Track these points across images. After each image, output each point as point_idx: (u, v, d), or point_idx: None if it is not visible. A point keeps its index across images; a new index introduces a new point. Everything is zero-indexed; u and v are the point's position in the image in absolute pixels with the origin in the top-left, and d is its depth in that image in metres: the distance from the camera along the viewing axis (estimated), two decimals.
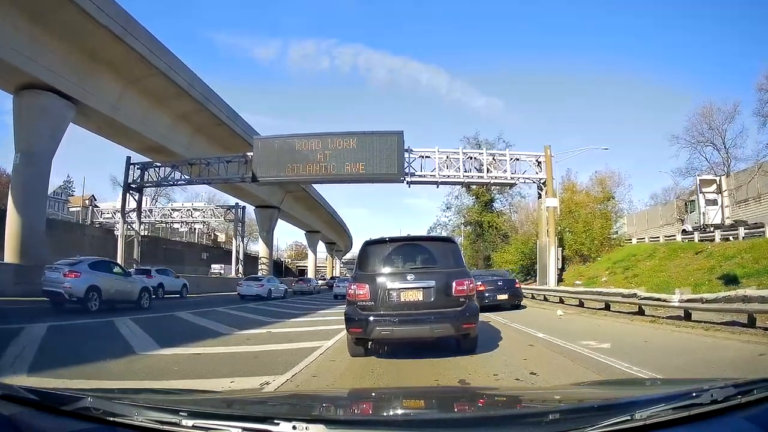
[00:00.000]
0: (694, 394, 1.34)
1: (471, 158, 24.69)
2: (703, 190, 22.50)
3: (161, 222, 45.87)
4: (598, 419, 1.25)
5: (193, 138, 27.53)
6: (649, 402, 1.36)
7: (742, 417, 1.30)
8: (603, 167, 35.29)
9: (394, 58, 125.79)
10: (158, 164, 26.40)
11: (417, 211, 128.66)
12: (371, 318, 5.55)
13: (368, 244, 6.28)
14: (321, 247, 69.84)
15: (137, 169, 26.35)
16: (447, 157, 24.29)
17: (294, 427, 1.20)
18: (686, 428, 1.27)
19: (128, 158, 26.22)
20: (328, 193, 53.49)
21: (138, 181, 26.38)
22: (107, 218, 43.06)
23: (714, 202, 22.10)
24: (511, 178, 24.74)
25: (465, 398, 2.23)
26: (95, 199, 52.95)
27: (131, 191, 26.55)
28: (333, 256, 77.03)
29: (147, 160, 26.96)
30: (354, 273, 6.26)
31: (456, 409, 1.87)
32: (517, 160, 24.66)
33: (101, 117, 21.48)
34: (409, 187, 24.56)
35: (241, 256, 39.87)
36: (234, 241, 41.33)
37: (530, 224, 32.37)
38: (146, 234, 41.80)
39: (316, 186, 45.01)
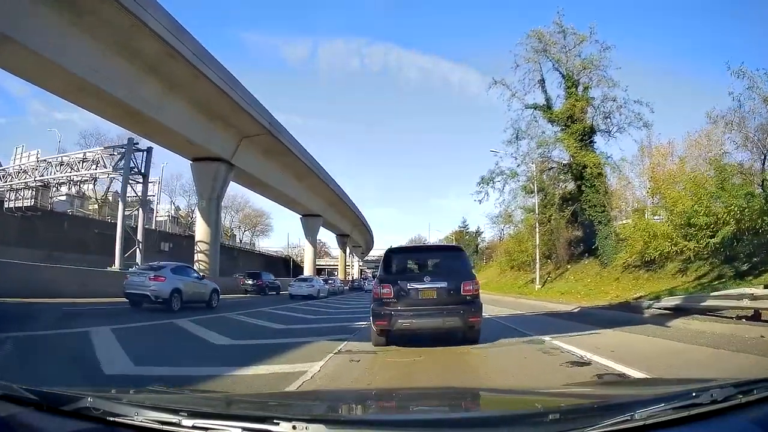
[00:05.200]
0: (694, 394, 1.33)
1: None
2: None
3: (41, 184, 26.31)
4: (598, 419, 1.24)
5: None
6: (649, 402, 1.35)
7: (742, 417, 1.29)
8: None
9: (424, 57, 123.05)
10: None
11: (445, 210, 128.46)
12: (394, 312, 6.45)
13: (391, 252, 7.35)
14: (333, 243, 67.05)
15: None
16: None
17: (294, 427, 1.20)
18: (686, 428, 1.26)
19: None
20: (347, 188, 47.50)
21: None
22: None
23: None
24: None
25: (465, 398, 2.23)
26: None
27: None
28: (347, 252, 64.83)
29: None
30: (379, 275, 7.11)
31: (456, 410, 1.88)
32: None
33: None
34: None
35: (139, 236, 23.33)
36: (120, 206, 23.42)
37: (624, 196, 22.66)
38: (32, 204, 25.48)
39: None
